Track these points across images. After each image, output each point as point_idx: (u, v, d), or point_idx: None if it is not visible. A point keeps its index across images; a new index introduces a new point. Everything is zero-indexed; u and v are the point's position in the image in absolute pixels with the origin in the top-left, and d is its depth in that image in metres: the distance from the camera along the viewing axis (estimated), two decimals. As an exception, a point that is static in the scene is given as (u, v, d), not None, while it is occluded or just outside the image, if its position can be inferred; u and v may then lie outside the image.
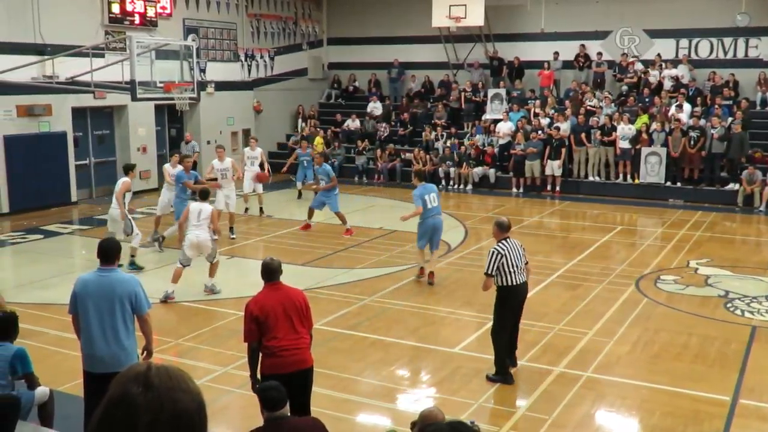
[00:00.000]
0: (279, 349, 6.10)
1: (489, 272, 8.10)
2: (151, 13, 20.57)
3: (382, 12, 27.44)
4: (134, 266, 12.47)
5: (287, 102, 26.98)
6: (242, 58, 25.10)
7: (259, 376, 6.23)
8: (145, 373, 1.80)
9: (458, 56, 26.63)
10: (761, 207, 18.85)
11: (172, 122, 22.77)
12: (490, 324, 9.60)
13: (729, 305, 11.00)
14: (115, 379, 1.83)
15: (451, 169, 22.56)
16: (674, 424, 7.22)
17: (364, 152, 23.87)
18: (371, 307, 10.87)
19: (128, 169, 13.06)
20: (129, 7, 19.97)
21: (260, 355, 6.21)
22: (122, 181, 12.55)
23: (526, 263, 8.40)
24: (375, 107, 26.25)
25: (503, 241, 8.16)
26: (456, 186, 22.46)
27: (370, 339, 9.54)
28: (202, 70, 22.90)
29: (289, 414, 5.03)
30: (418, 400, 7.65)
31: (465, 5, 24.43)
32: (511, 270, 8.06)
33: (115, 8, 19.73)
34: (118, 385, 1.80)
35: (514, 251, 8.12)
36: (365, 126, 25.57)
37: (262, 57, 26.02)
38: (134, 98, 16.89)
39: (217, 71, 23.83)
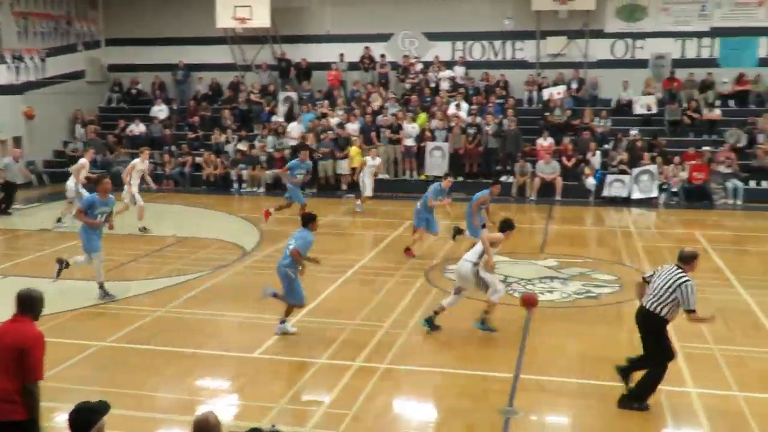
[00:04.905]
0: None
1: (645, 276, 7.91)
2: None
3: (164, 12, 26.52)
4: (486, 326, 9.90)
5: (63, 107, 25.24)
6: (8, 60, 23.11)
7: None
8: None
9: (246, 58, 26.41)
10: (532, 196, 20.58)
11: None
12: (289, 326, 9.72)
13: (509, 289, 11.87)
14: None
15: (243, 172, 22.33)
16: (466, 404, 7.68)
17: (150, 159, 22.83)
18: (166, 318, 10.50)
19: (507, 227, 10.11)
20: None
21: None
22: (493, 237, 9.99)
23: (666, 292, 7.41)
24: (160, 111, 25.33)
25: (672, 265, 7.59)
26: (249, 188, 22.27)
27: (166, 351, 9.21)
28: (-39, 73, 20.82)
29: None
30: (219, 409, 7.49)
31: (250, 6, 24.32)
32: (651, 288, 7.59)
33: None
34: None
35: (660, 275, 7.53)
36: (151, 130, 24.59)
37: (32, 58, 24.13)
38: None
39: (-20, 74, 21.77)
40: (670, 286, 7.29)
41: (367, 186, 18.94)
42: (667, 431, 7.23)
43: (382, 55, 25.34)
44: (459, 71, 24.81)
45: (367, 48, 25.44)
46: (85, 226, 11.17)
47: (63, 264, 11.50)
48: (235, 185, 22.38)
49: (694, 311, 7.31)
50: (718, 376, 8.39)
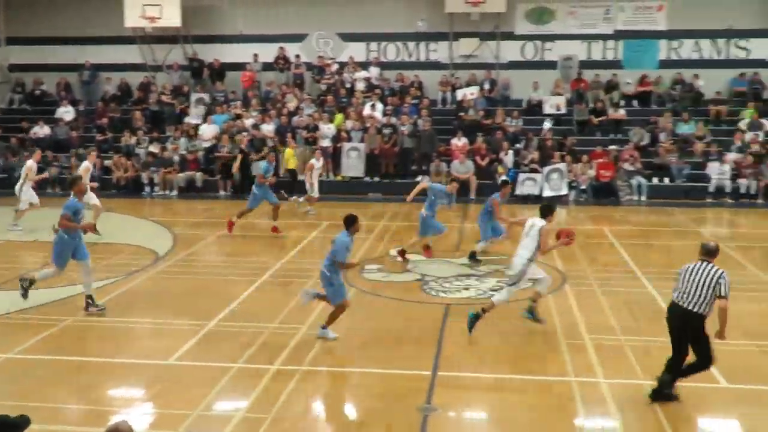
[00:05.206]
0: None
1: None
2: None
3: (69, 10, 25.67)
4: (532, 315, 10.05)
5: (-40, 108, 24.09)
6: None
7: None
8: None
9: (156, 58, 25.81)
10: (448, 195, 20.83)
11: None
12: (205, 331, 9.56)
13: (426, 287, 12.04)
14: None
15: (155, 175, 21.82)
16: (385, 404, 7.73)
17: (55, 163, 22.10)
18: (75, 327, 10.14)
19: (549, 211, 9.95)
20: None
21: None
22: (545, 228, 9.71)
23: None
24: (66, 112, 24.47)
25: (697, 262, 7.61)
26: (162, 191, 21.78)
27: (77, 361, 8.90)
28: None
29: None
30: (133, 419, 7.30)
31: (160, 5, 23.84)
32: (678, 288, 7.63)
33: None
34: None
35: (691, 274, 7.52)
36: (56, 132, 23.71)
37: (-75, 58, 22.93)
38: None
39: None
40: (710, 283, 7.35)
41: (315, 187, 18.84)
42: (580, 421, 7.46)
43: (297, 56, 25.23)
44: (374, 72, 24.93)
45: (281, 48, 25.27)
46: (62, 237, 10.56)
47: (92, 302, 10.77)
48: (147, 188, 21.83)
49: (726, 298, 7.32)
50: (627, 365, 8.72)
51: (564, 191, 20.94)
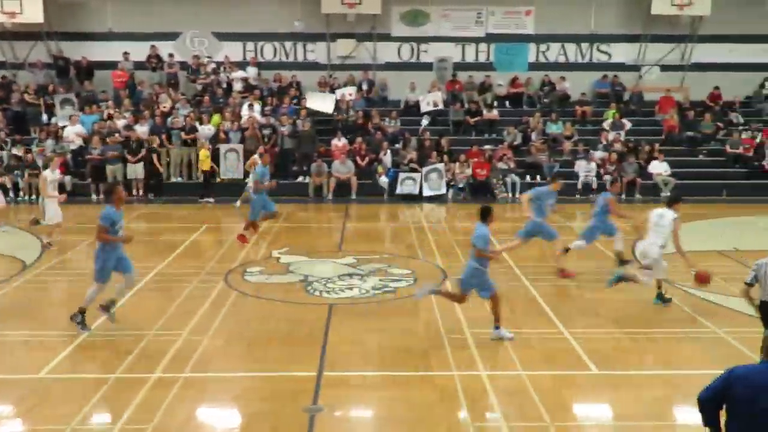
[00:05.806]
0: None
1: (747, 281, 7.84)
2: None
3: None
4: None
5: None
6: None
7: None
8: None
9: (17, 55, 24.43)
10: (329, 196, 20.93)
11: None
12: (79, 341, 9.14)
13: (309, 288, 12.00)
14: None
15: (20, 179, 20.61)
16: (271, 406, 7.65)
17: None
18: (-67, 344, 9.44)
19: (676, 200, 10.99)
20: None
21: None
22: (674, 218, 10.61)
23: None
24: None
25: None
26: (27, 197, 20.60)
27: (-65, 380, 8.28)
28: None
29: None
30: (1, 438, 6.89)
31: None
32: (763, 287, 7.65)
33: None
34: None
35: None
36: None
37: None
38: None
39: None
40: None
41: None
42: (463, 413, 7.65)
43: (171, 55, 24.55)
44: (251, 72, 24.62)
45: (153, 47, 24.50)
46: (104, 249, 9.64)
47: (113, 305, 9.89)
48: (11, 194, 20.57)
49: None
50: (505, 358, 9.03)
51: (443, 190, 21.43)
